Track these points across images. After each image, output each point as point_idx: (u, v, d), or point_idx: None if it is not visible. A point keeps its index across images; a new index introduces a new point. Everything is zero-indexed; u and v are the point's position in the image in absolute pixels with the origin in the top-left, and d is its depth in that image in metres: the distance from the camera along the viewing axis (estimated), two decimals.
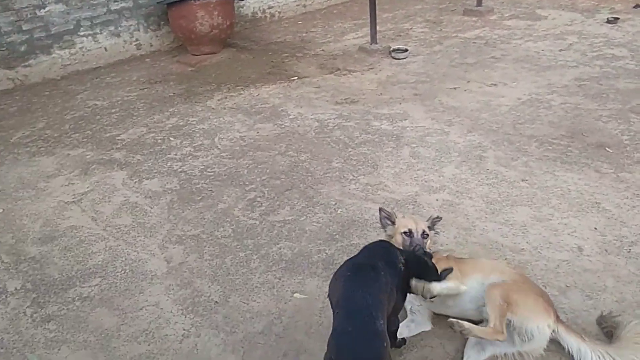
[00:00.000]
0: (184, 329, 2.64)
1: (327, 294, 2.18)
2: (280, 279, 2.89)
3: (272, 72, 5.98)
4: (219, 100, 5.37)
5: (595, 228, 3.11)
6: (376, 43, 6.27)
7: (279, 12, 7.95)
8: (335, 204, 3.52)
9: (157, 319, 2.71)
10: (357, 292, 1.92)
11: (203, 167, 4.14)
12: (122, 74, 6.20)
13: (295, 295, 2.78)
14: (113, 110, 5.28)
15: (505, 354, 2.26)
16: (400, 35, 6.87)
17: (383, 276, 1.99)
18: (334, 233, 3.21)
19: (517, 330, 2.19)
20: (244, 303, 2.74)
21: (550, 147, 4.02)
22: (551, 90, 5.02)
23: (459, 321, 2.17)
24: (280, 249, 3.13)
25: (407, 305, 2.47)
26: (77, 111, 5.32)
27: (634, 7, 7.02)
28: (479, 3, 7.49)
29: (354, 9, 8.30)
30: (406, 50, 6.14)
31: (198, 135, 4.67)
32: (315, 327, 2.57)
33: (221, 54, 6.51)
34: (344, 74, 5.79)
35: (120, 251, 3.25)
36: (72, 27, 6.11)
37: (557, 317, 2.28)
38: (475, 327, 2.17)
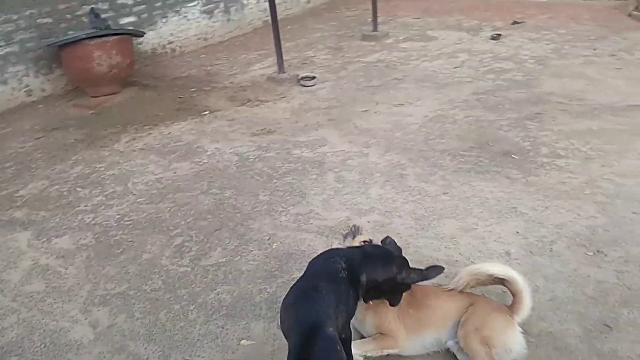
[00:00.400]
0: None
1: (279, 325, 2.18)
2: (223, 328, 2.73)
3: (181, 108, 5.78)
4: (127, 142, 5.07)
5: (517, 232, 3.30)
6: (284, 72, 6.32)
7: (180, 47, 7.76)
8: (269, 238, 3.42)
9: None
10: (304, 310, 2.00)
11: (119, 216, 3.85)
12: (12, 124, 5.66)
13: (242, 342, 2.64)
14: (7, 165, 4.78)
15: None
16: (305, 63, 6.98)
17: (326, 294, 2.06)
18: (273, 269, 3.11)
19: (500, 354, 2.29)
20: None
21: (462, 159, 4.24)
22: (453, 105, 5.33)
23: None
24: (218, 294, 2.96)
25: None
26: None
27: (512, 24, 7.73)
28: (375, 28, 7.84)
29: (255, 40, 8.33)
30: (314, 77, 6.24)
31: (109, 182, 4.36)
32: None
33: (123, 93, 6.19)
34: (256, 105, 5.74)
35: (37, 322, 2.89)
36: None
37: (512, 311, 2.40)
38: None
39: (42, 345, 2.74)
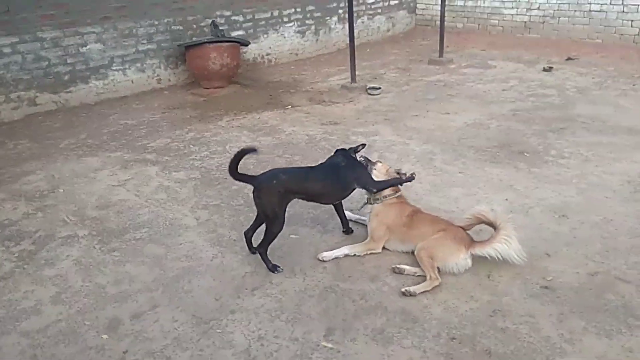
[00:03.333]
0: (213, 254, 3.76)
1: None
2: None
3: (270, 103, 7.31)
4: (227, 121, 6.63)
5: (507, 199, 4.34)
6: (355, 82, 7.67)
7: (275, 59, 9.42)
8: None
9: (193, 249, 3.83)
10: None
11: (218, 164, 5.32)
12: (145, 102, 7.47)
13: (291, 236, 3.93)
14: (141, 127, 6.50)
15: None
16: (375, 78, 8.31)
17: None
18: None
19: (443, 269, 3.38)
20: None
21: (483, 153, 5.30)
22: (491, 117, 6.37)
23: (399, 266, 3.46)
24: None
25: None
26: (111, 127, 6.53)
27: (566, 60, 8.59)
28: (441, 54, 9.02)
29: (339, 57, 9.79)
30: (379, 88, 7.54)
31: (212, 144, 5.88)
32: (306, 251, 3.71)
33: (228, 88, 7.85)
34: (328, 105, 7.13)
35: (160, 214, 4.38)
36: (106, 62, 7.43)
37: (470, 245, 3.45)
38: (419, 287, 3.30)
39: (164, 225, 4.20)
